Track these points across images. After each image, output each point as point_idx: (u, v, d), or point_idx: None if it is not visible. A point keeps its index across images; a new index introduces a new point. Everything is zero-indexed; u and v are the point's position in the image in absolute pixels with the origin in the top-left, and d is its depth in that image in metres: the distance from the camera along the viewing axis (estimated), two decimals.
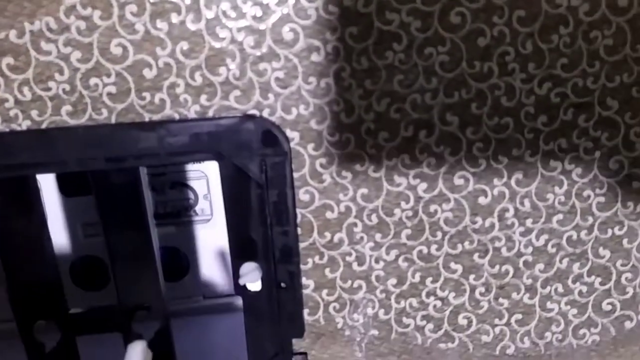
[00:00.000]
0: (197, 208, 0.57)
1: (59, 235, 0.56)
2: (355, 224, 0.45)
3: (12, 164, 0.41)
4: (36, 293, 0.47)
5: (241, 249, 0.45)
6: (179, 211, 0.57)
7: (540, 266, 0.47)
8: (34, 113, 0.41)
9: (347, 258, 0.46)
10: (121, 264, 0.47)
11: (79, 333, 0.48)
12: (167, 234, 0.57)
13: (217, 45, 0.40)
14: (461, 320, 0.48)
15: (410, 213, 0.45)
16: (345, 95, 0.42)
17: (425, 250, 0.46)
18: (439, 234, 0.46)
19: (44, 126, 0.41)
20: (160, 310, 0.48)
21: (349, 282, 0.46)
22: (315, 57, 0.41)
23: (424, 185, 0.44)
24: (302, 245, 0.45)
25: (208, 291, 0.60)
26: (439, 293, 0.47)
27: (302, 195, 0.44)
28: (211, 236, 0.58)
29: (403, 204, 0.45)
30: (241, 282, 0.45)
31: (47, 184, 0.54)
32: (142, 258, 0.47)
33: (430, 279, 0.47)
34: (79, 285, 0.58)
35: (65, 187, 0.55)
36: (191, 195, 0.56)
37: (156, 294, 0.48)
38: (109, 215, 0.45)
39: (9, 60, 0.39)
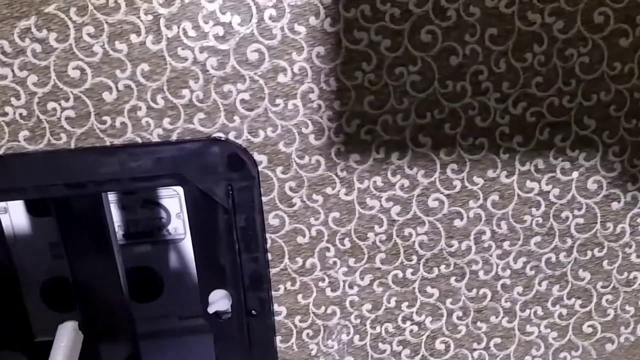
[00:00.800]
0: (170, 227, 0.55)
1: (27, 257, 0.54)
2: (327, 249, 0.44)
3: None
4: (1, 321, 0.45)
5: (210, 276, 0.43)
6: (152, 230, 0.55)
7: (519, 289, 0.46)
8: None
9: (320, 283, 0.44)
10: (86, 288, 0.45)
11: None
12: (140, 254, 0.56)
13: (179, 66, 0.39)
14: (439, 345, 0.47)
15: (384, 237, 0.44)
16: (314, 116, 0.40)
17: (400, 275, 0.45)
18: (414, 258, 0.44)
19: (0, 152, 0.39)
20: (129, 335, 0.47)
21: (323, 308, 0.45)
22: (281, 78, 0.39)
23: (397, 208, 0.43)
24: (272, 271, 0.44)
25: (183, 311, 0.58)
26: (416, 318, 0.46)
27: (271, 219, 0.42)
28: (185, 255, 0.56)
29: (377, 228, 0.43)
30: (210, 309, 0.43)
31: (15, 204, 0.53)
32: (108, 281, 0.45)
33: (406, 303, 0.46)
34: (50, 307, 0.57)
35: (32, 208, 0.53)
36: (163, 214, 0.55)
37: (124, 317, 0.46)
38: (72, 240, 0.44)
39: None
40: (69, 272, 0.44)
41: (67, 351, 0.42)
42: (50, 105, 0.39)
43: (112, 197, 0.53)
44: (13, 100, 0.38)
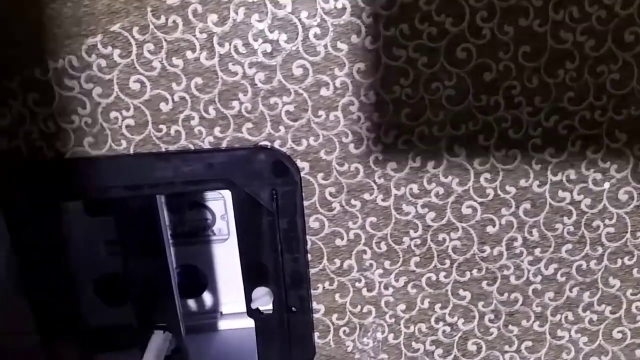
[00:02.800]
0: (215, 228, 0.59)
1: (83, 254, 0.58)
2: (364, 251, 0.46)
3: (38, 192, 0.44)
4: (57, 310, 0.49)
5: (253, 273, 0.46)
6: (197, 231, 0.59)
7: (550, 294, 0.48)
8: (58, 145, 0.43)
9: (357, 284, 0.47)
10: (138, 283, 0.49)
11: (97, 350, 0.50)
12: (186, 253, 0.59)
13: (229, 80, 0.42)
14: (471, 346, 0.49)
15: (418, 241, 0.46)
16: (354, 127, 0.43)
17: (433, 277, 0.47)
18: (448, 262, 0.47)
19: (66, 156, 0.43)
20: (177, 328, 0.50)
21: (359, 307, 0.48)
22: (324, 92, 0.42)
23: (432, 215, 0.45)
24: (312, 271, 0.46)
25: (226, 308, 0.61)
26: (448, 319, 0.48)
27: (312, 222, 0.45)
28: (228, 255, 0.59)
29: (412, 232, 0.46)
30: (253, 305, 0.46)
31: (73, 205, 0.57)
32: (159, 278, 0.49)
33: (439, 305, 0.48)
34: (104, 301, 0.60)
35: (89, 208, 0.57)
36: (209, 216, 0.58)
37: (172, 312, 0.50)
38: (128, 238, 0.47)
39: (34, 95, 0.42)
40: (122, 269, 0.48)
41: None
42: (113, 114, 0.42)
43: (163, 199, 0.57)
44: (79, 110, 0.42)
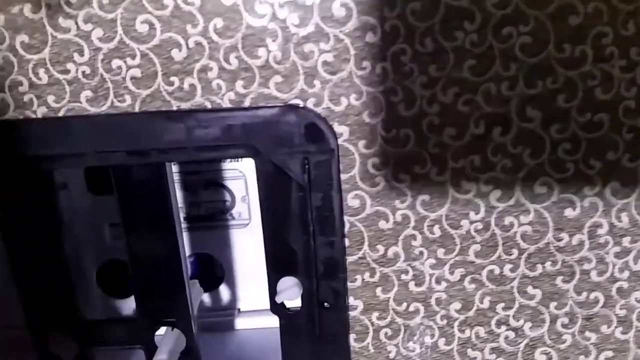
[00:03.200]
0: (234, 211, 0.51)
1: (85, 237, 0.51)
2: (413, 237, 0.38)
3: (26, 155, 0.37)
4: (51, 299, 0.42)
5: (279, 261, 0.39)
6: (214, 214, 0.51)
7: (638, 295, 0.39)
8: (50, 99, 0.36)
9: (403, 276, 0.39)
10: (144, 271, 0.41)
11: (97, 344, 0.43)
12: (200, 239, 0.52)
13: (255, 23, 0.34)
14: (538, 356, 0.40)
15: (480, 225, 0.38)
16: (405, 83, 0.35)
17: (497, 271, 0.39)
18: (515, 252, 0.38)
19: (61, 114, 0.36)
20: (187, 325, 0.43)
21: (404, 304, 0.40)
22: (370, 38, 0.34)
23: (497, 193, 0.37)
24: (349, 259, 0.39)
25: (244, 304, 0.54)
26: (512, 322, 0.40)
27: (350, 200, 0.37)
28: (249, 243, 0.52)
29: (472, 215, 0.38)
30: (278, 299, 0.39)
31: (74, 180, 0.50)
32: (168, 265, 0.41)
33: (502, 304, 0.40)
34: (106, 291, 0.53)
35: (93, 184, 0.50)
36: (227, 197, 0.51)
37: (183, 306, 0.42)
38: (132, 217, 0.40)
39: (23, 37, 0.35)
40: (127, 254, 0.41)
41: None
42: (115, 62, 0.35)
43: (175, 177, 0.50)
44: (76, 57, 0.35)
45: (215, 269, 0.53)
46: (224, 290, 0.54)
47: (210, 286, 0.54)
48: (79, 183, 0.50)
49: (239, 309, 0.54)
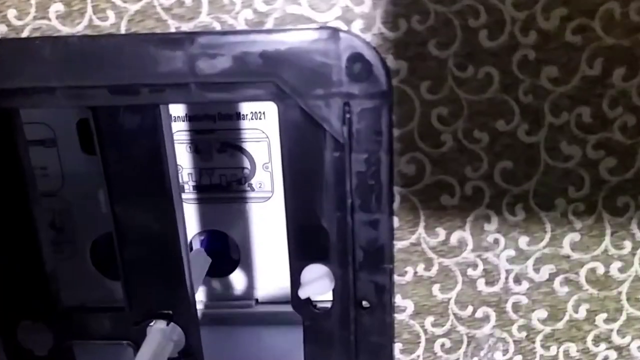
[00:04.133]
0: (254, 181, 0.42)
1: (77, 207, 0.43)
2: (487, 218, 0.28)
3: None
4: (20, 281, 0.34)
5: (305, 243, 0.29)
6: (230, 183, 0.42)
7: None
8: (10, 14, 0.27)
9: (470, 271, 0.29)
10: (133, 250, 0.32)
11: (75, 338, 0.35)
12: (213, 214, 0.43)
13: None
14: None
15: (582, 206, 0.28)
16: (491, 0, 0.25)
17: (601, 269, 0.29)
18: (628, 245, 0.28)
19: (24, 34, 0.27)
20: (187, 318, 0.34)
21: (470, 308, 0.30)
22: None
23: (611, 162, 0.27)
24: (398, 245, 0.29)
25: (263, 294, 0.45)
26: (616, 339, 0.30)
27: (404, 165, 0.28)
28: (271, 219, 0.43)
29: (571, 190, 0.27)
30: (302, 293, 0.29)
31: (62, 134, 0.41)
32: (164, 243, 0.32)
33: (603, 315, 0.29)
34: (102, 271, 0.45)
35: (87, 143, 0.41)
36: (246, 164, 0.42)
37: (181, 295, 0.33)
38: (116, 178, 0.31)
39: None
40: (112, 227, 0.32)
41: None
42: None
43: (180, 135, 0.41)
44: None
45: (229, 250, 0.44)
46: (239, 276, 0.45)
47: (223, 271, 0.45)
48: (70, 140, 0.41)
49: (256, 300, 0.45)
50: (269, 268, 0.44)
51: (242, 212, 0.43)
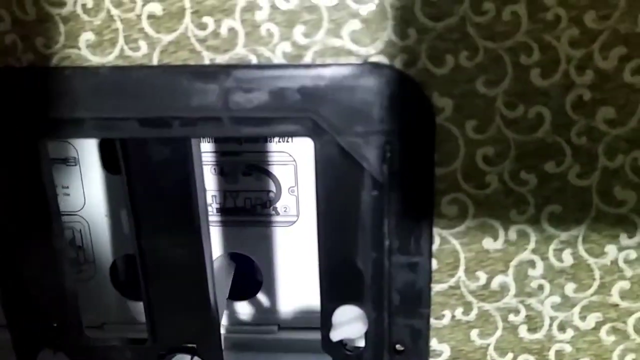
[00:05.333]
0: (279, 205, 0.41)
1: (98, 226, 0.42)
2: (532, 263, 0.27)
3: (4, 117, 0.27)
4: (41, 311, 0.33)
5: (338, 283, 0.28)
6: (254, 206, 0.41)
7: None
8: (39, 42, 0.26)
9: (512, 317, 0.28)
10: (157, 279, 0.31)
11: None
12: (236, 237, 0.42)
13: None
14: None
15: (633, 254, 0.26)
16: (546, 36, 0.24)
17: None
18: None
19: (52, 63, 0.26)
20: (211, 353, 0.33)
21: (510, 355, 0.28)
22: None
23: None
24: (436, 287, 0.28)
25: (286, 320, 0.43)
26: None
27: (446, 206, 0.26)
28: (295, 244, 0.41)
29: (623, 239, 0.26)
30: (334, 335, 0.28)
31: (85, 154, 0.40)
32: (189, 276, 0.31)
33: None
34: (122, 292, 0.44)
35: (110, 161, 0.40)
36: (272, 187, 0.40)
37: (207, 326, 0.32)
38: (143, 207, 0.30)
39: None
40: (137, 255, 0.31)
41: None
42: None
43: (205, 157, 0.40)
44: None
45: (252, 274, 0.43)
46: (261, 300, 0.44)
47: (246, 294, 0.43)
48: (90, 157, 0.41)
49: (278, 325, 0.44)
50: (292, 293, 0.43)
51: (266, 236, 0.42)
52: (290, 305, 0.43)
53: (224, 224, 0.42)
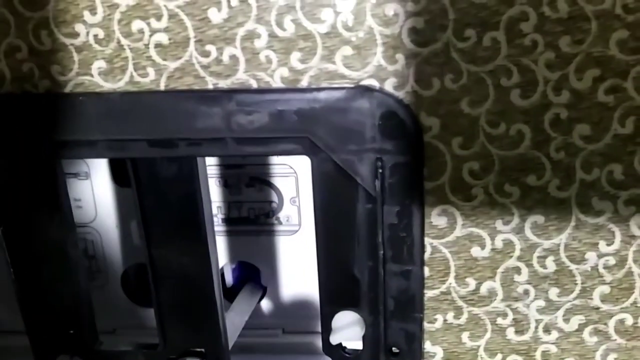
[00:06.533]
0: (281, 215, 0.43)
1: (109, 237, 0.44)
2: (517, 270, 0.29)
3: (24, 139, 0.29)
4: (59, 318, 0.35)
5: (337, 290, 0.30)
6: (258, 217, 0.43)
7: None
8: (54, 70, 0.28)
9: (500, 320, 0.29)
10: (167, 288, 0.33)
11: None
12: (241, 246, 0.44)
13: None
14: None
15: (612, 260, 0.28)
16: (524, 60, 0.25)
17: (629, 321, 0.29)
18: None
19: (67, 89, 0.28)
20: (219, 357, 0.34)
21: (499, 356, 0.30)
22: None
23: None
24: (429, 293, 0.29)
25: (289, 324, 0.45)
26: None
27: (436, 217, 0.28)
28: (297, 253, 0.43)
29: (602, 245, 0.28)
30: (333, 339, 0.30)
31: (95, 168, 0.42)
32: (197, 285, 0.33)
33: None
34: (133, 299, 0.46)
35: (119, 175, 0.42)
36: (274, 198, 0.42)
37: (214, 332, 0.34)
38: (153, 221, 0.32)
39: None
40: (148, 265, 0.33)
41: None
42: (136, 25, 0.27)
43: (210, 170, 0.42)
44: (87, 16, 0.27)
45: (257, 281, 0.45)
46: (266, 306, 0.45)
47: None
48: (100, 172, 0.43)
49: (283, 329, 0.45)
50: (295, 298, 0.45)
51: (269, 245, 0.43)
52: (293, 310, 0.45)
53: (229, 233, 0.44)
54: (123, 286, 0.46)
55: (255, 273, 0.45)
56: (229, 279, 0.45)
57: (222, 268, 0.44)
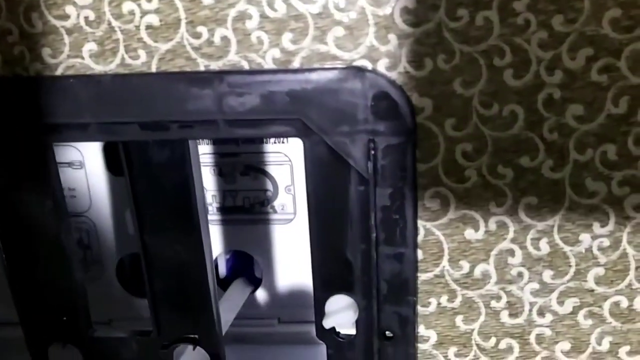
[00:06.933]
0: (276, 203, 0.43)
1: (103, 226, 0.44)
2: (511, 252, 0.28)
3: (14, 123, 0.29)
4: (52, 306, 0.34)
5: (330, 274, 0.30)
6: (252, 205, 0.43)
7: None
8: (45, 53, 0.28)
9: (494, 303, 0.29)
10: (160, 275, 0.33)
11: None
12: (236, 234, 0.44)
13: None
14: None
15: (606, 242, 0.28)
16: (517, 39, 0.25)
17: (624, 303, 0.29)
18: None
19: (58, 72, 0.28)
20: (212, 343, 0.34)
21: (493, 339, 0.30)
22: None
23: (636, 199, 0.27)
24: (422, 277, 0.29)
25: (285, 313, 0.45)
26: None
27: (429, 200, 0.28)
28: (293, 241, 0.43)
29: (596, 226, 0.28)
30: (326, 323, 0.30)
31: (90, 156, 0.42)
32: (190, 269, 0.33)
33: (626, 348, 0.29)
34: (128, 289, 0.46)
35: (113, 164, 0.42)
36: (269, 186, 0.42)
37: (207, 319, 0.34)
38: (145, 207, 0.32)
39: None
40: (141, 253, 0.32)
41: None
42: (127, 6, 0.27)
43: (205, 158, 0.41)
44: None
45: (252, 270, 0.45)
46: (262, 295, 0.45)
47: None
48: (94, 161, 0.42)
49: (279, 319, 0.45)
50: (291, 288, 0.45)
51: (264, 234, 0.43)
52: (289, 299, 0.45)
53: (224, 222, 0.43)
54: (118, 276, 0.46)
55: (249, 263, 0.45)
56: (222, 269, 0.45)
57: (216, 258, 0.44)
